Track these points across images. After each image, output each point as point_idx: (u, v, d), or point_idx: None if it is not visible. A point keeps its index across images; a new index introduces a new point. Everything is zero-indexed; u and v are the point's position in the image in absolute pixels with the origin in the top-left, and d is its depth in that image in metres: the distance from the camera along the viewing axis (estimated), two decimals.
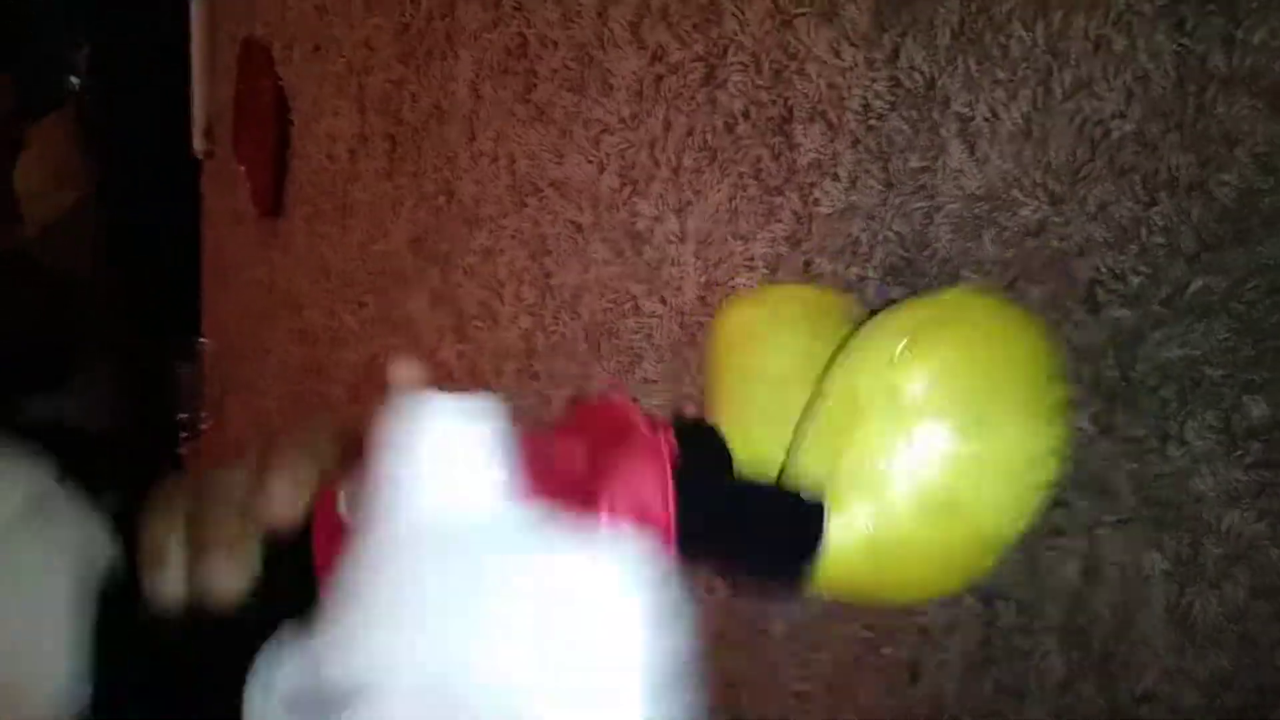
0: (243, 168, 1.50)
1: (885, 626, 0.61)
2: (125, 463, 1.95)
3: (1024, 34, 0.52)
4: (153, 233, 1.75)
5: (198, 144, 1.66)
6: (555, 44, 0.85)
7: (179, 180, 1.71)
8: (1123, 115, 0.48)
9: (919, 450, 0.42)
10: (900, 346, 0.43)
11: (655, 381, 0.77)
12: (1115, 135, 0.49)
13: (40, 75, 1.91)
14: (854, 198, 0.61)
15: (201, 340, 1.77)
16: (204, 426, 1.79)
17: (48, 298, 1.88)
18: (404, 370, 0.32)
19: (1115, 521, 0.50)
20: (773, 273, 0.67)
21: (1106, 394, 0.50)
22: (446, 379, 1.06)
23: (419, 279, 1.11)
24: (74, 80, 1.83)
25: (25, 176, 1.79)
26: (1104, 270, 0.49)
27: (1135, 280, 0.48)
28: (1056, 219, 0.51)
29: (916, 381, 0.42)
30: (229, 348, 1.70)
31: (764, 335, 0.52)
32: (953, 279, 0.56)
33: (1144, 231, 0.48)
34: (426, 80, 1.04)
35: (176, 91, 1.64)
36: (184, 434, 1.81)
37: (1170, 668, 0.48)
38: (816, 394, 0.45)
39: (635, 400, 0.60)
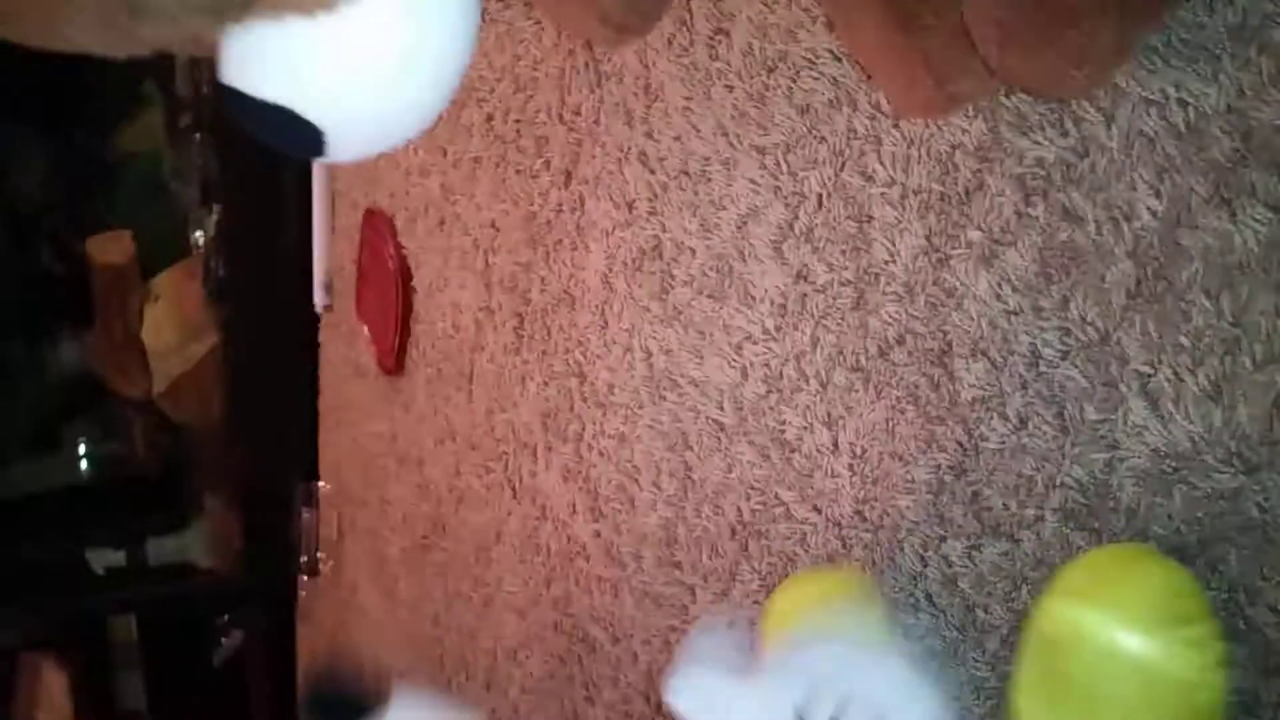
0: (365, 325, 1.56)
1: None
2: (248, 601, 2.00)
3: (1206, 303, 0.52)
4: (274, 382, 1.82)
5: (318, 298, 1.73)
6: (692, 251, 0.87)
7: (300, 333, 1.78)
8: None
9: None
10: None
11: None
12: None
13: (163, 231, 2.01)
14: (1024, 439, 0.61)
15: (319, 484, 1.82)
16: (323, 569, 1.83)
17: (172, 446, 1.96)
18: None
19: None
20: (936, 497, 0.67)
21: None
22: (580, 555, 1.07)
23: (549, 453, 1.13)
24: (198, 236, 1.92)
25: (155, 333, 1.88)
26: None
27: None
28: (1254, 486, 0.51)
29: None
30: (348, 495, 1.74)
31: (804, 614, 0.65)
32: (1141, 533, 0.56)
33: None
34: (555, 266, 1.08)
35: (299, 249, 1.71)
36: (303, 576, 1.85)
37: None
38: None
39: None
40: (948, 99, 0.54)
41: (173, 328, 1.90)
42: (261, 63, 0.39)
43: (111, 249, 1.97)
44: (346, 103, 0.40)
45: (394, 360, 1.48)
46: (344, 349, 1.74)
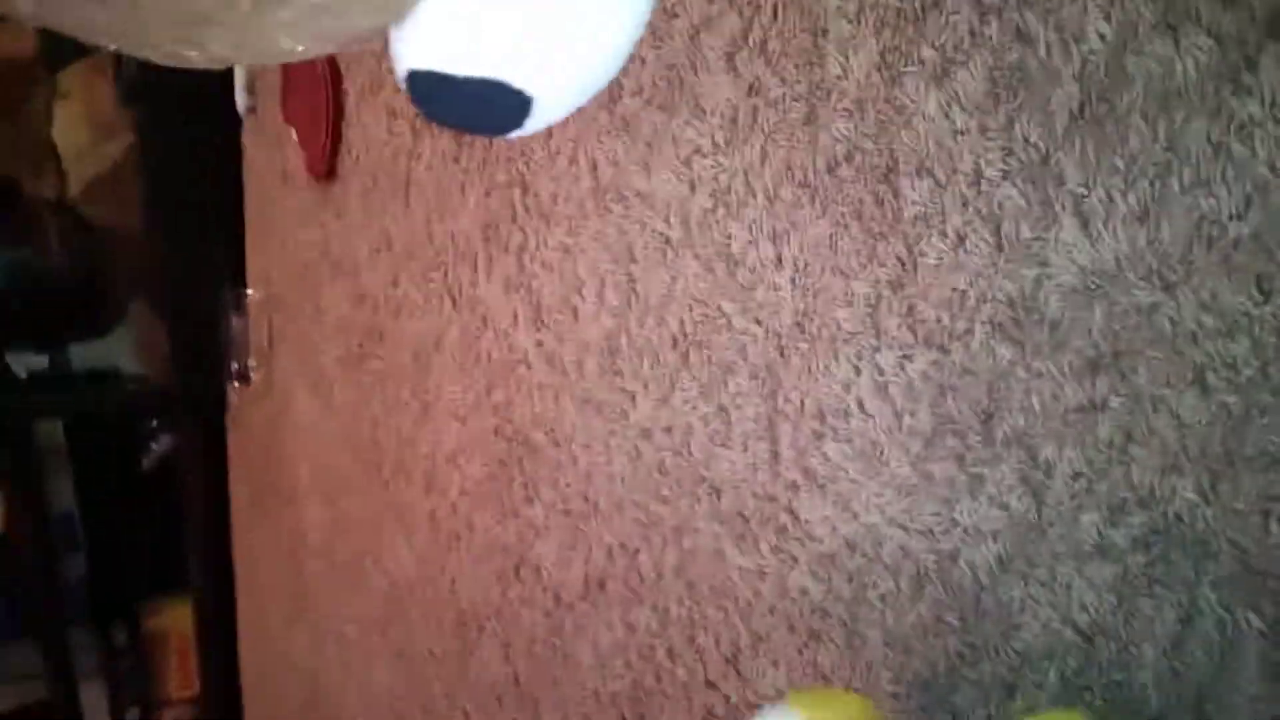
0: (293, 130, 1.51)
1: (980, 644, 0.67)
2: (177, 408, 2.01)
3: (1144, 127, 0.55)
4: (195, 186, 1.77)
5: (240, 101, 1.67)
6: (642, 60, 0.86)
7: (221, 136, 1.72)
8: (1240, 217, 0.52)
9: None
10: None
11: (747, 395, 0.82)
12: (1231, 235, 0.52)
13: None
14: (961, 256, 0.64)
15: (248, 292, 1.80)
16: (254, 376, 1.83)
17: (92, 249, 1.91)
18: None
19: (1212, 580, 0.55)
20: (874, 310, 0.71)
21: (1210, 467, 0.54)
22: (521, 363, 1.10)
23: (490, 264, 1.14)
24: None
25: (65, 132, 1.80)
26: (1215, 357, 0.53)
27: (1246, 371, 0.52)
28: (1169, 303, 0.55)
29: None
30: (279, 303, 1.73)
31: None
32: (1061, 345, 0.60)
33: (1257, 328, 0.52)
34: None
35: None
36: (234, 382, 1.86)
37: (1263, 714, 0.54)
38: None
39: None
40: None
41: (84, 126, 1.82)
42: (466, 41, 0.38)
43: (11, 42, 1.85)
44: (557, 64, 0.40)
45: (324, 166, 1.45)
46: (270, 154, 1.69)
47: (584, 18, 0.39)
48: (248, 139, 1.75)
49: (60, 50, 1.94)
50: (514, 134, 0.42)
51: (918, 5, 0.64)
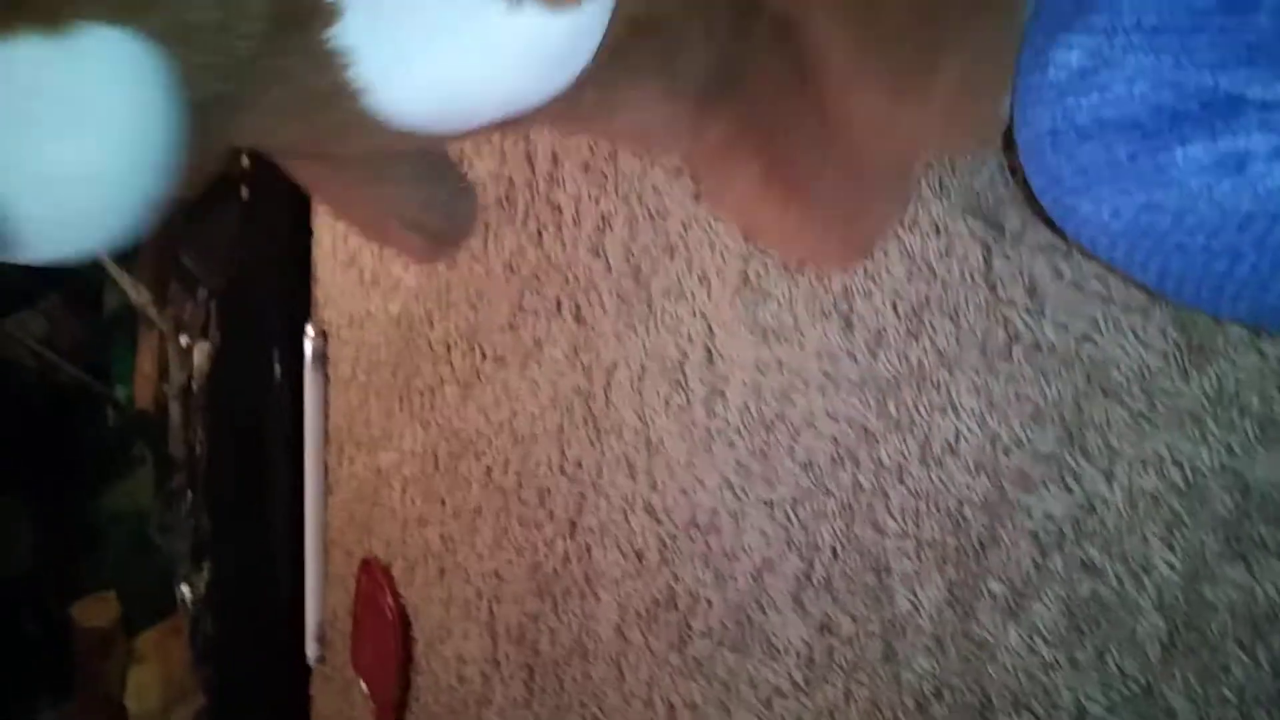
0: (362, 679, 1.51)
1: None
2: None
3: (1243, 656, 0.53)
4: None
5: (310, 650, 1.69)
6: (709, 602, 0.87)
7: (291, 687, 1.71)
8: None
9: None
10: None
11: None
12: None
13: (149, 588, 1.98)
14: None
15: None
16: None
17: None
18: None
19: None
20: None
21: None
22: None
23: None
24: (184, 590, 1.89)
25: (138, 696, 1.81)
26: None
27: None
28: None
29: None
30: None
31: None
32: None
33: None
34: (565, 617, 1.07)
35: (290, 601, 1.69)
36: None
37: None
38: None
39: None
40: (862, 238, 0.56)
41: (157, 690, 1.83)
42: None
43: (96, 613, 1.93)
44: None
45: (394, 715, 1.43)
46: (338, 703, 1.68)
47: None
48: (317, 689, 1.74)
49: (141, 614, 2.02)
50: None
51: (975, 541, 0.65)
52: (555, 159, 1.07)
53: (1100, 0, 0.39)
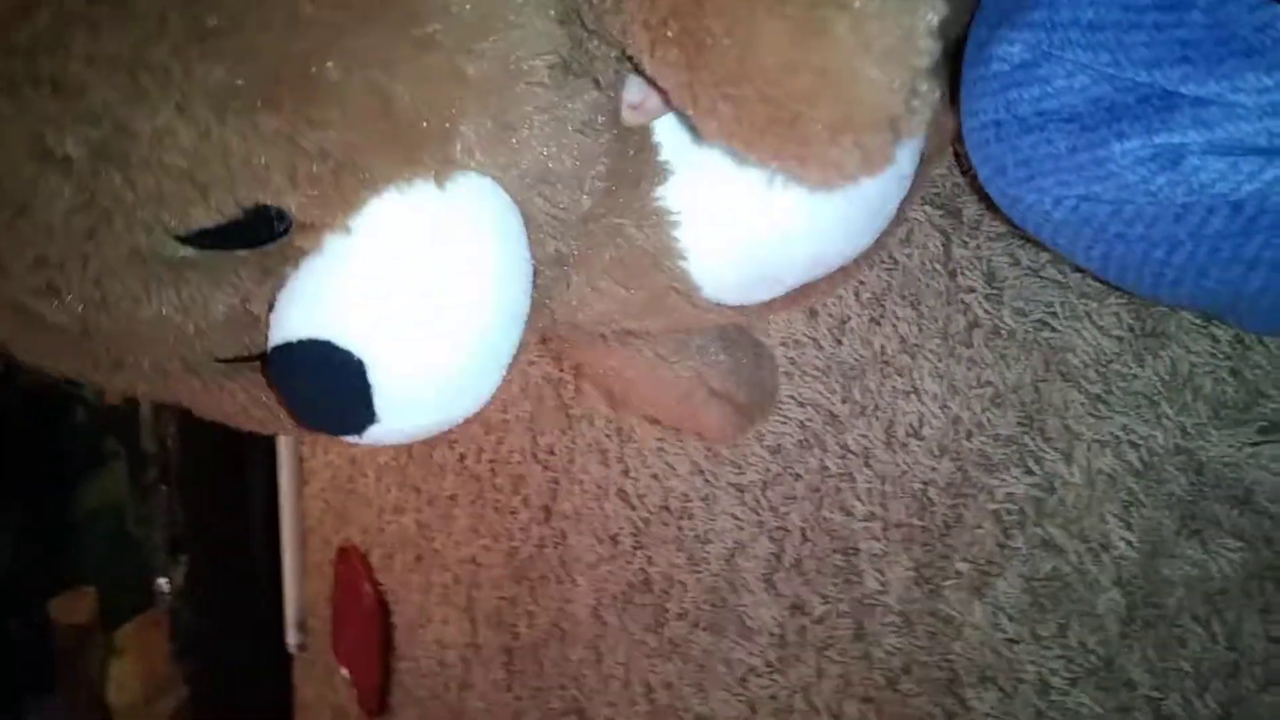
0: (343, 666, 1.52)
1: None
2: None
3: (1199, 629, 0.54)
4: None
5: (291, 638, 1.69)
6: (683, 584, 0.88)
7: (273, 676, 1.72)
8: None
9: None
10: None
11: None
12: None
13: (128, 582, 1.97)
14: None
15: None
16: None
17: None
18: None
19: None
20: None
21: None
22: None
23: None
24: (162, 583, 1.89)
25: (119, 690, 1.81)
26: None
27: None
28: None
29: None
30: None
31: None
32: None
33: None
34: (542, 601, 1.08)
35: (269, 590, 1.69)
36: None
37: None
38: None
39: None
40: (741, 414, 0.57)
41: (139, 683, 1.83)
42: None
43: (75, 609, 1.92)
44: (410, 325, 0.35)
45: (377, 701, 1.44)
46: (321, 690, 1.69)
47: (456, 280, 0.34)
48: (299, 677, 1.75)
49: (119, 608, 2.01)
50: (363, 434, 0.35)
51: (940, 522, 0.67)
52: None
53: None
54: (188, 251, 0.33)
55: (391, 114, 0.32)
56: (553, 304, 0.43)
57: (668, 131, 0.39)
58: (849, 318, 0.72)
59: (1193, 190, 0.36)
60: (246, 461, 1.67)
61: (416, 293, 0.34)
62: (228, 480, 1.70)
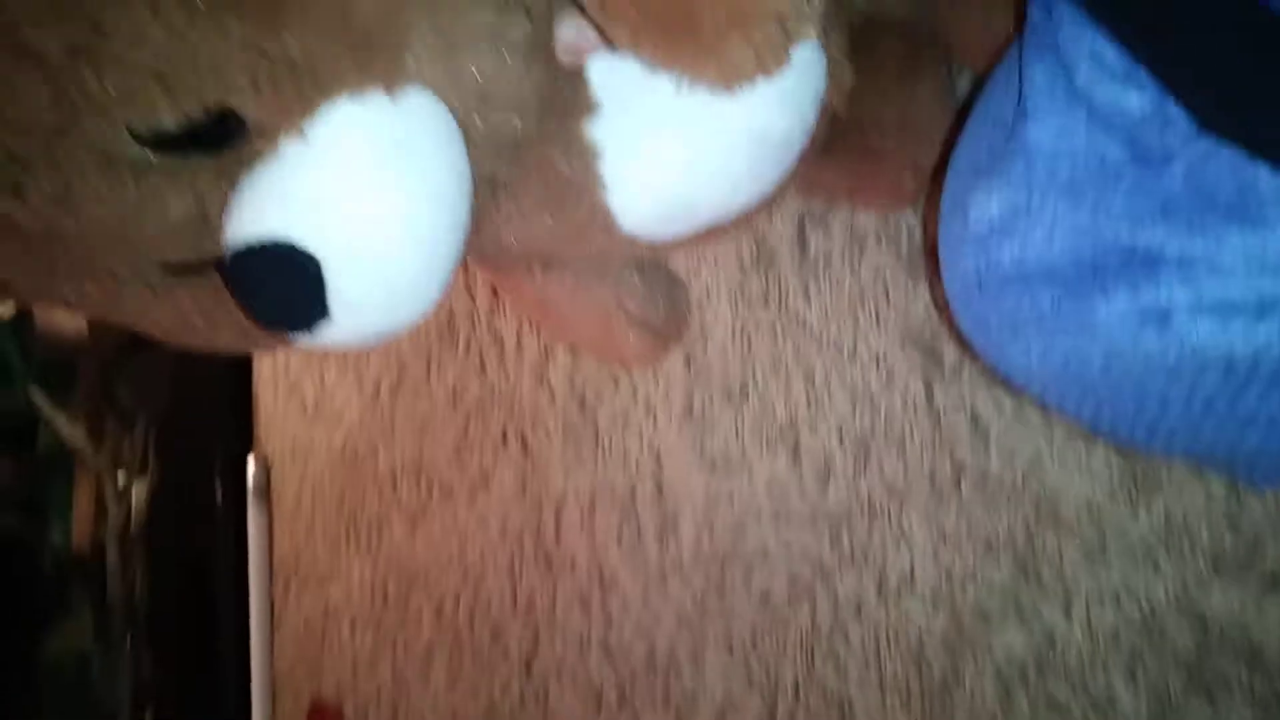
0: None
1: None
2: None
3: None
4: None
5: None
6: None
7: None
8: None
9: None
10: None
11: None
12: None
13: None
14: None
15: None
16: None
17: None
18: None
19: None
20: None
21: None
22: None
23: None
24: None
25: None
26: None
27: None
28: None
29: None
30: None
31: None
32: None
33: None
34: None
35: None
36: None
37: None
38: None
39: None
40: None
41: None
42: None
43: None
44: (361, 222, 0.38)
45: None
46: None
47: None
48: None
49: None
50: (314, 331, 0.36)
51: (938, 680, 0.64)
52: (494, 288, 1.07)
53: (1015, 152, 0.39)
54: (150, 154, 0.34)
55: (350, 24, 0.34)
56: (485, 225, 0.46)
57: (599, 70, 0.42)
58: (833, 461, 0.70)
59: (1184, 349, 0.35)
60: (217, 610, 1.61)
61: (368, 196, 0.36)
62: (195, 628, 1.64)
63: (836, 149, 0.58)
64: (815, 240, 0.70)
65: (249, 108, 0.35)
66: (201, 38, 0.33)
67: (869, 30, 0.54)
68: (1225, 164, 0.32)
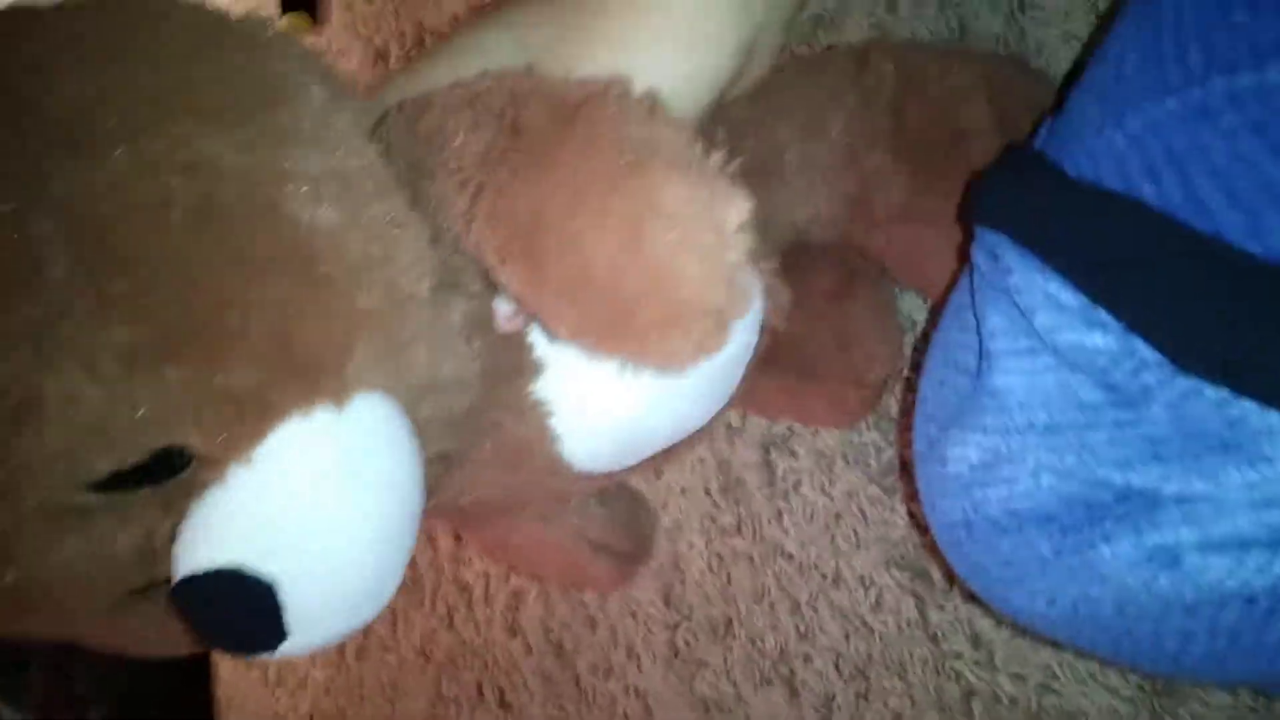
0: None
1: None
2: None
3: None
4: None
5: None
6: None
7: None
8: None
9: None
10: None
11: None
12: None
13: None
14: None
15: None
16: None
17: None
18: None
19: None
20: None
21: None
22: None
23: None
24: None
25: None
26: None
27: None
28: None
29: None
30: None
31: None
32: None
33: None
34: None
35: None
36: None
37: None
38: None
39: None
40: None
41: None
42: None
43: None
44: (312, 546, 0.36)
45: None
46: None
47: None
48: None
49: None
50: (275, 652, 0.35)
51: None
52: (457, 536, 1.03)
53: (987, 401, 0.38)
54: (92, 497, 0.33)
55: (291, 351, 0.34)
56: (441, 495, 0.45)
57: (539, 331, 0.43)
58: (834, 695, 0.66)
59: (1200, 588, 0.33)
60: None
61: (320, 514, 0.35)
62: None
63: (777, 369, 0.59)
64: (782, 464, 0.69)
65: (195, 444, 0.34)
66: (140, 388, 0.32)
67: (800, 253, 0.55)
68: (1208, 402, 0.31)
